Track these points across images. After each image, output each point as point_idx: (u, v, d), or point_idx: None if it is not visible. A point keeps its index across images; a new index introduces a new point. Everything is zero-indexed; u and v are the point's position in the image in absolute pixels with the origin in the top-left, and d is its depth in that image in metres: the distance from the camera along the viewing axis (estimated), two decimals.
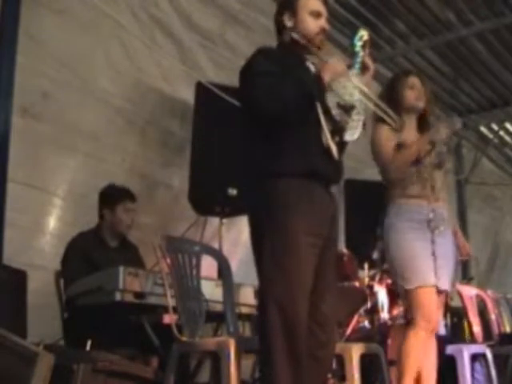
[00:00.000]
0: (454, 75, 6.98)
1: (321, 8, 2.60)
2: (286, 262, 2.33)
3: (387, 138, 2.99)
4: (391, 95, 3.07)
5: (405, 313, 3.08)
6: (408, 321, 2.97)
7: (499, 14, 5.76)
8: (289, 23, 2.58)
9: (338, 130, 2.49)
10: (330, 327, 2.50)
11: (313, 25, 2.56)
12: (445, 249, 2.97)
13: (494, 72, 6.90)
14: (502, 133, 8.39)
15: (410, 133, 3.07)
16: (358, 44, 2.57)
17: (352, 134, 2.50)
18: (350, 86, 2.49)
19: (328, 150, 2.46)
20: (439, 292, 2.94)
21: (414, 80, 3.13)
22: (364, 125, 2.55)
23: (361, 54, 2.57)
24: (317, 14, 2.58)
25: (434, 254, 2.91)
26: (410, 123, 3.10)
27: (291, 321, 2.29)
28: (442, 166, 3.10)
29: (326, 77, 2.39)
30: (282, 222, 2.35)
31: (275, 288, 2.32)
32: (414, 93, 3.10)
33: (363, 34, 2.59)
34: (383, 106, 2.73)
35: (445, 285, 2.94)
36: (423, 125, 3.15)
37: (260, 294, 2.40)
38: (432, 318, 2.89)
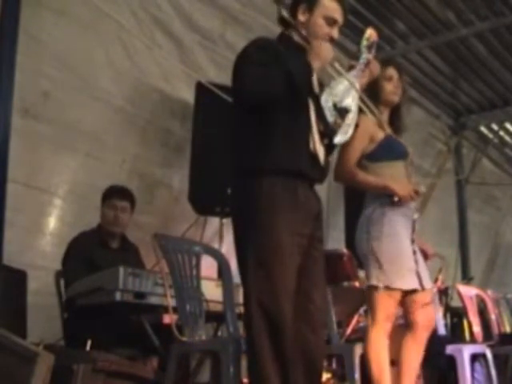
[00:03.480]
0: (454, 75, 6.98)
1: (338, 16, 2.50)
2: (269, 263, 2.30)
3: (362, 138, 2.91)
4: (371, 85, 2.94)
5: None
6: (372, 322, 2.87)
7: (499, 14, 5.76)
8: (301, 17, 2.49)
9: (329, 132, 2.46)
10: (319, 326, 2.47)
11: (323, 30, 2.47)
12: (418, 248, 2.97)
13: (494, 72, 6.90)
14: (502, 133, 8.39)
15: (383, 126, 3.06)
16: (364, 44, 2.53)
17: (342, 138, 2.47)
18: (349, 88, 2.46)
19: (314, 156, 2.43)
20: (425, 290, 2.90)
21: (391, 71, 3.05)
22: (357, 126, 2.53)
23: (364, 54, 2.54)
24: (332, 22, 2.49)
25: (415, 253, 2.90)
26: (384, 116, 3.06)
27: (275, 321, 2.27)
28: (412, 162, 3.11)
29: (315, 63, 2.35)
30: (266, 222, 2.32)
31: (258, 289, 2.30)
32: (391, 85, 3.03)
33: (370, 34, 2.54)
34: (374, 109, 2.71)
35: (427, 283, 2.92)
36: (395, 116, 3.11)
37: (244, 295, 2.37)
38: (391, 320, 2.84)
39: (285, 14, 2.49)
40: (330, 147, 2.54)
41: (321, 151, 2.47)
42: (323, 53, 2.38)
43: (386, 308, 2.81)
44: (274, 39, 2.59)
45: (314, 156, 2.43)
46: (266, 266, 2.30)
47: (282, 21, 2.54)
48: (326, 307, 2.58)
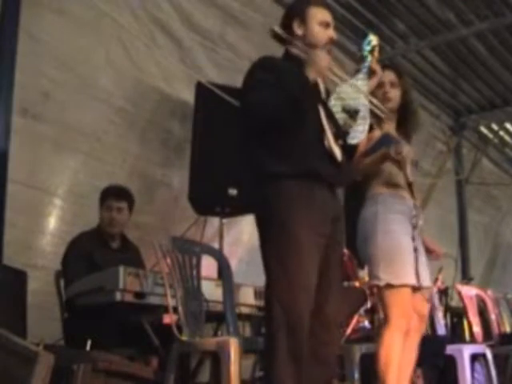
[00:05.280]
0: (454, 75, 6.98)
1: (329, 18, 2.64)
2: (288, 262, 2.36)
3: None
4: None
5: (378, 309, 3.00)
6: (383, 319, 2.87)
7: (499, 14, 5.76)
8: (298, 31, 2.60)
9: (341, 133, 2.53)
10: (333, 327, 2.51)
11: (322, 35, 2.59)
12: (421, 246, 2.94)
13: (494, 72, 6.90)
14: (501, 133, 8.39)
15: (390, 130, 3.05)
16: (367, 49, 2.63)
17: (354, 138, 2.53)
18: (355, 90, 2.52)
19: (330, 154, 2.48)
20: (423, 289, 2.90)
21: (384, 77, 2.99)
22: (371, 128, 2.58)
23: (368, 58, 2.64)
24: (326, 25, 2.61)
25: (415, 250, 2.89)
26: (388, 119, 3.01)
27: (294, 320, 2.31)
28: (417, 164, 3.09)
29: (311, 74, 2.41)
30: (284, 222, 2.38)
31: (279, 287, 2.35)
32: (382, 91, 2.99)
33: (372, 39, 2.66)
34: (383, 109, 2.73)
35: (426, 281, 2.91)
36: (404, 118, 3.08)
37: (266, 293, 2.43)
38: (408, 318, 2.85)
39: (278, 30, 2.55)
40: (347, 149, 2.60)
41: (336, 150, 2.53)
42: (318, 63, 2.45)
43: (396, 306, 2.80)
44: (279, 57, 2.66)
45: (329, 153, 2.50)
46: (286, 266, 2.36)
47: (277, 38, 2.61)
48: (341, 308, 2.62)
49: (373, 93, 2.98)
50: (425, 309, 2.98)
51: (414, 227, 2.92)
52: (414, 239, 2.90)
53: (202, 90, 4.42)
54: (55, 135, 3.95)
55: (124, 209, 3.68)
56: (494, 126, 8.27)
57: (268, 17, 4.95)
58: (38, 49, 3.87)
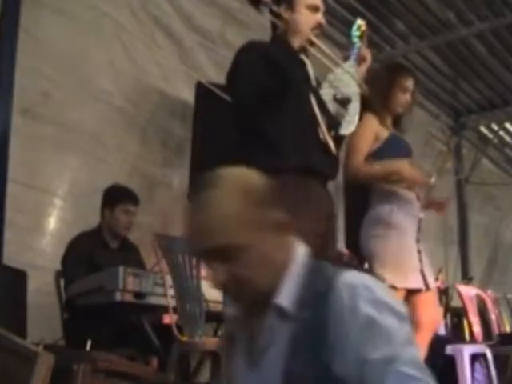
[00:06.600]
0: (454, 75, 6.98)
1: (318, 2, 2.54)
2: None
3: (368, 137, 2.92)
4: (382, 88, 2.96)
5: None
6: None
7: (499, 14, 5.76)
8: (285, 15, 2.52)
9: (333, 124, 2.48)
10: None
11: (310, 19, 2.50)
12: (422, 246, 2.96)
13: (494, 72, 6.90)
14: (502, 133, 8.39)
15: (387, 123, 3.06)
16: (356, 34, 2.56)
17: (347, 128, 2.48)
18: (347, 78, 2.47)
19: (325, 146, 2.44)
20: (431, 290, 2.91)
21: (408, 83, 3.03)
22: (361, 117, 2.54)
23: (357, 44, 2.56)
24: (314, 8, 2.52)
25: (419, 252, 2.89)
26: (386, 118, 3.04)
27: None
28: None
29: (295, 41, 2.37)
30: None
31: None
32: (405, 97, 3.01)
33: (360, 24, 2.58)
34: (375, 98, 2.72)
35: (432, 282, 2.93)
36: (397, 119, 3.09)
37: None
38: None
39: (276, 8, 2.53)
40: (337, 140, 2.55)
41: (330, 142, 2.48)
42: (301, 25, 2.40)
43: None
44: (266, 42, 2.62)
45: (325, 145, 2.44)
46: None
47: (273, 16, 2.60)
48: None
49: (395, 95, 2.96)
50: (436, 309, 2.98)
51: (419, 229, 2.93)
52: (418, 241, 2.91)
53: (201, 89, 4.42)
54: (55, 135, 3.95)
55: (136, 212, 3.71)
56: (494, 126, 8.26)
57: (268, 17, 4.94)
58: (38, 49, 3.86)
